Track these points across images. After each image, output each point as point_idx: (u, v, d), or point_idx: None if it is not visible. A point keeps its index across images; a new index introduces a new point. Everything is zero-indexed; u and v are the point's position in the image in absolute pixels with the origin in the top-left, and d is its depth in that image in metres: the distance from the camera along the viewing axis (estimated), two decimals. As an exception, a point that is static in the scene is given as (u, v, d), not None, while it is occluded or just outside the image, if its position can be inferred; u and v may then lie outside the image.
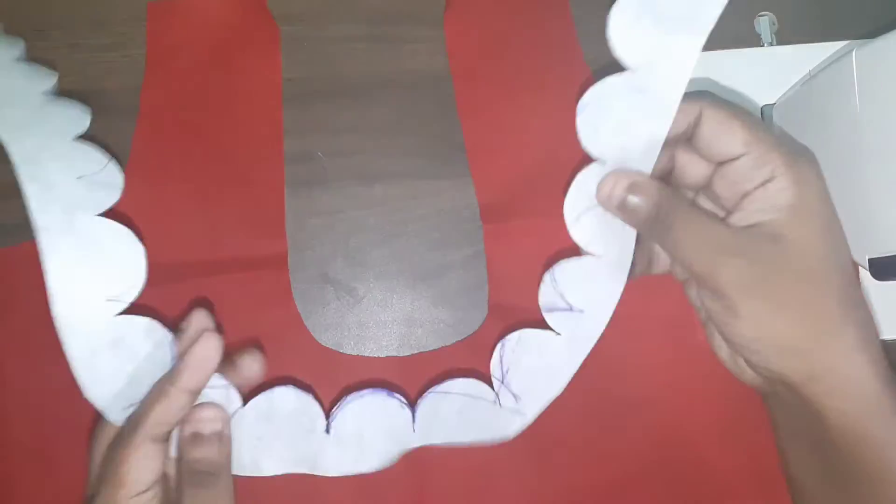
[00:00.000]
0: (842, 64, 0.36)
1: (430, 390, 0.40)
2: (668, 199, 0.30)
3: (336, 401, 0.37)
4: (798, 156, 0.30)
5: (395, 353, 0.46)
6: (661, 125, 0.32)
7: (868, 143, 0.35)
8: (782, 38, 0.48)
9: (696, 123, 0.31)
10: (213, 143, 0.46)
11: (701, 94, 0.34)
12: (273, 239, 0.46)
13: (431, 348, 0.46)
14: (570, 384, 0.39)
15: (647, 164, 0.32)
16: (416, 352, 0.46)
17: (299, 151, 0.47)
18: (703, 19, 0.33)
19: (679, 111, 0.32)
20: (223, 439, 0.34)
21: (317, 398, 0.37)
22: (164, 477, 0.34)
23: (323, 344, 0.45)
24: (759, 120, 0.32)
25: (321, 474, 0.36)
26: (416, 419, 0.38)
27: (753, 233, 0.29)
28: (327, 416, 0.36)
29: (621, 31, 0.34)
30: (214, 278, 0.45)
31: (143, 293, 0.39)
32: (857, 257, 0.37)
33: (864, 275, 0.36)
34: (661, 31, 0.34)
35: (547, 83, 0.46)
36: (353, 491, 0.44)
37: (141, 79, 0.46)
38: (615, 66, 0.47)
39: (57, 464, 0.44)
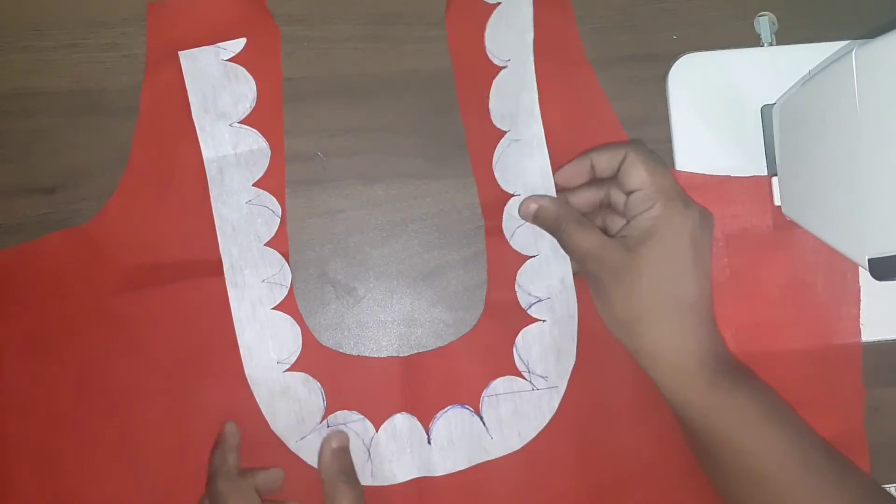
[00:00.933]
0: (842, 64, 0.36)
1: (483, 395, 0.45)
2: (563, 210, 0.43)
3: (424, 416, 0.45)
4: (677, 201, 0.41)
5: (394, 353, 0.46)
6: (541, 158, 0.45)
7: (868, 143, 0.35)
8: (782, 38, 0.48)
9: (621, 163, 0.42)
10: None
11: (632, 142, 0.45)
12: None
13: (431, 348, 0.46)
14: (562, 403, 0.45)
15: (548, 188, 0.44)
16: (415, 352, 0.46)
17: (300, 151, 0.47)
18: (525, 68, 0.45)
19: (610, 151, 0.43)
20: (348, 454, 0.44)
21: (419, 420, 0.45)
22: None
23: (323, 343, 0.46)
24: (663, 169, 0.42)
25: (432, 475, 0.45)
26: (486, 424, 0.45)
27: (618, 241, 0.41)
28: (426, 430, 0.45)
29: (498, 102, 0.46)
30: (218, 278, 0.45)
31: (145, 295, 0.44)
32: (856, 257, 0.37)
33: (864, 275, 0.36)
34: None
35: (548, 82, 0.46)
36: None
37: (141, 79, 0.46)
38: (616, 63, 0.47)
39: (58, 463, 0.44)
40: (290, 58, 0.47)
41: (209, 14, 0.46)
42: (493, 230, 0.46)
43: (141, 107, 0.46)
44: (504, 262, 0.45)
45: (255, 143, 0.46)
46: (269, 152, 0.46)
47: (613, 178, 0.43)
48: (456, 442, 0.45)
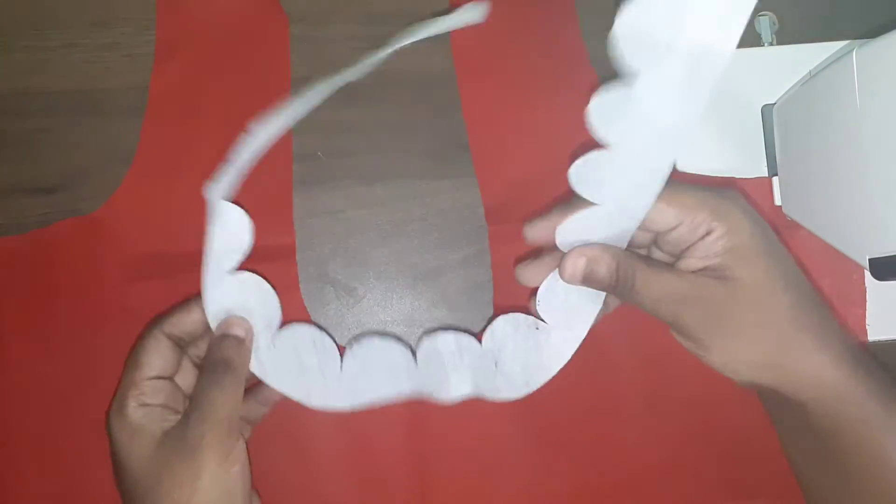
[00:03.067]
0: (842, 64, 0.36)
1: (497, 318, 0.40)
2: (625, 262, 0.35)
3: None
4: (723, 203, 0.35)
5: (395, 353, 0.46)
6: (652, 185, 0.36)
7: (868, 143, 0.35)
8: (782, 38, 0.48)
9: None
10: (222, 137, 0.46)
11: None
12: (281, 231, 0.46)
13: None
14: (572, 382, 0.40)
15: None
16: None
17: (300, 151, 0.47)
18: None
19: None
20: (244, 345, 0.39)
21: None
22: (174, 385, 0.38)
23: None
24: (680, 186, 0.35)
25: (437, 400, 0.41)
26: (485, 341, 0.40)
27: (702, 278, 0.34)
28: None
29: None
30: None
31: (152, 285, 0.44)
32: (857, 257, 0.37)
33: (869, 275, 0.36)
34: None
35: (552, 84, 0.46)
36: (359, 489, 0.44)
37: (141, 79, 0.46)
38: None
39: (60, 451, 0.44)
40: (290, 58, 0.47)
41: (218, 7, 0.46)
42: (498, 235, 0.46)
43: (150, 97, 0.46)
44: (510, 266, 0.45)
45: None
46: None
47: None
48: (449, 364, 0.40)
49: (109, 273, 0.45)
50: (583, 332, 0.39)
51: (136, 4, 0.46)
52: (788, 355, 0.34)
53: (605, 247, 0.36)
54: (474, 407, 0.41)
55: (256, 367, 0.40)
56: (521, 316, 0.40)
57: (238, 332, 0.39)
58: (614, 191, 0.36)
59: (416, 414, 0.44)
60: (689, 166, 0.46)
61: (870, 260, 0.36)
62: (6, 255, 0.45)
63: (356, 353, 0.41)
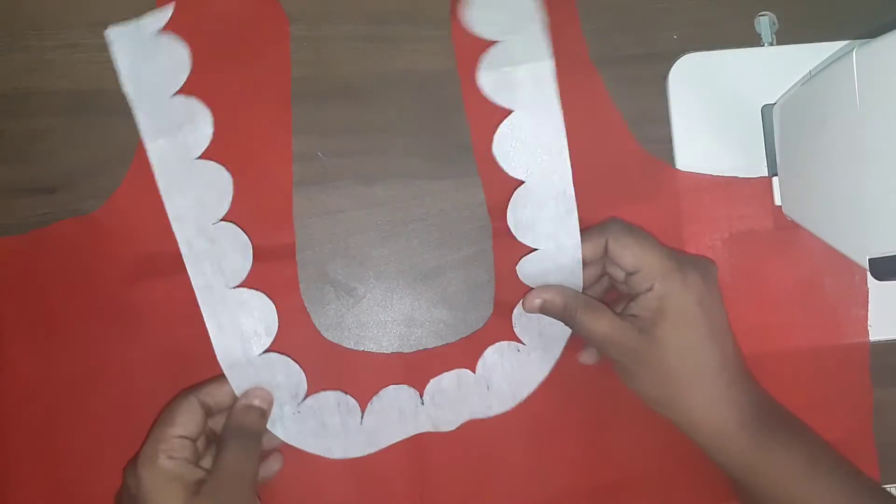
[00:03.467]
0: (842, 64, 0.36)
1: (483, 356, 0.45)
2: (570, 299, 0.42)
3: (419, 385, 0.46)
4: (674, 274, 0.40)
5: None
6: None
7: (868, 143, 0.35)
8: (782, 38, 0.48)
9: (605, 248, 0.42)
10: (223, 137, 0.46)
11: (610, 224, 0.44)
12: (281, 231, 0.46)
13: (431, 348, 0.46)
14: (566, 388, 0.45)
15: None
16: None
17: (300, 151, 0.46)
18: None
19: (590, 240, 0.43)
20: (264, 415, 0.43)
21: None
22: (195, 446, 0.41)
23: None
24: (649, 244, 0.41)
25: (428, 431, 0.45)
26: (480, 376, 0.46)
27: (627, 325, 0.40)
28: (420, 394, 0.45)
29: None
30: None
31: (151, 285, 0.45)
32: (857, 257, 0.37)
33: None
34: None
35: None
36: (357, 477, 0.45)
37: (141, 79, 0.46)
38: (616, 63, 0.47)
39: (58, 450, 0.44)
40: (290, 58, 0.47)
41: (219, 7, 0.46)
42: (500, 231, 0.46)
43: None
44: (511, 263, 0.45)
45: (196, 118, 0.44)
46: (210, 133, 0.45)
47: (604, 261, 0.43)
48: (450, 397, 0.45)
49: (109, 272, 0.45)
50: (557, 352, 0.45)
51: (136, 5, 0.46)
52: (682, 400, 0.40)
53: (560, 289, 0.43)
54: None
55: (281, 431, 0.44)
56: (504, 343, 0.45)
57: (260, 403, 0.43)
58: (543, 227, 0.44)
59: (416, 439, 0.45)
60: (689, 166, 0.46)
61: (870, 260, 0.36)
62: (6, 255, 0.45)
63: (374, 406, 0.45)
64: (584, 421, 0.46)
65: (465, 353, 0.46)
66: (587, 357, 0.45)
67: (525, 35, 0.45)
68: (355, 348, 0.46)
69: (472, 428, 0.45)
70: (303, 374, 0.44)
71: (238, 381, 0.43)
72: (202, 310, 0.43)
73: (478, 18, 0.45)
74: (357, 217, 0.47)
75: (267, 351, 0.44)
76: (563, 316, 0.42)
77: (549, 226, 0.44)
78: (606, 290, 0.45)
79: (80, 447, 0.44)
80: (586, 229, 0.44)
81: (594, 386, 0.46)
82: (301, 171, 0.46)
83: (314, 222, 0.46)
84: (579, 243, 0.43)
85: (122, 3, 0.46)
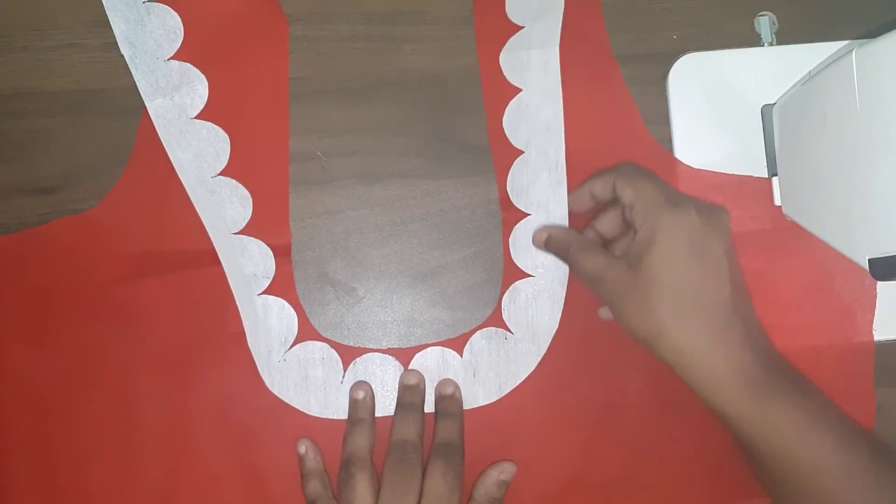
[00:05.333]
0: (842, 64, 0.36)
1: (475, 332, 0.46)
2: (569, 237, 0.44)
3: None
4: (664, 206, 0.40)
5: (395, 354, 0.46)
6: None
7: (868, 144, 0.35)
8: (782, 38, 0.48)
9: (613, 186, 0.43)
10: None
11: (622, 165, 0.45)
12: (277, 232, 0.46)
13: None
14: (561, 380, 0.45)
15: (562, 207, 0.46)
16: (415, 352, 0.46)
17: (300, 151, 0.47)
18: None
19: (601, 177, 0.44)
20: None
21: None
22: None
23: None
24: (649, 180, 0.42)
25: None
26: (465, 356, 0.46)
27: (621, 260, 0.41)
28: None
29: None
30: (217, 267, 0.45)
31: (147, 283, 0.45)
32: (857, 257, 0.37)
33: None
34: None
35: (574, 75, 0.46)
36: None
37: (141, 79, 0.46)
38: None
39: (55, 449, 0.44)
40: (289, 57, 0.47)
41: (218, 7, 0.46)
42: (510, 222, 0.46)
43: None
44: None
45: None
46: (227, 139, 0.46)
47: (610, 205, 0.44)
48: (434, 377, 0.46)
49: (105, 271, 0.45)
50: (544, 347, 0.46)
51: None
52: (665, 337, 0.39)
53: (564, 228, 0.46)
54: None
55: (267, 378, 0.45)
56: (492, 329, 0.46)
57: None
58: (535, 194, 0.46)
59: None
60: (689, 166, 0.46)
61: (869, 260, 0.36)
62: (3, 254, 0.45)
63: (357, 367, 0.46)
64: (580, 415, 0.46)
65: (459, 346, 0.46)
66: (604, 312, 0.45)
67: (544, 22, 0.46)
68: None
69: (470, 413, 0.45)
70: (295, 319, 0.45)
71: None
72: (216, 247, 0.45)
73: (516, 4, 0.47)
74: (357, 217, 0.47)
75: (264, 293, 0.45)
76: (563, 251, 0.44)
77: (541, 193, 0.46)
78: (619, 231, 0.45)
79: (77, 445, 0.44)
80: (598, 172, 0.45)
81: (587, 379, 0.46)
82: (301, 170, 0.46)
83: (314, 222, 0.46)
84: (567, 212, 0.46)
85: (122, 3, 0.46)
